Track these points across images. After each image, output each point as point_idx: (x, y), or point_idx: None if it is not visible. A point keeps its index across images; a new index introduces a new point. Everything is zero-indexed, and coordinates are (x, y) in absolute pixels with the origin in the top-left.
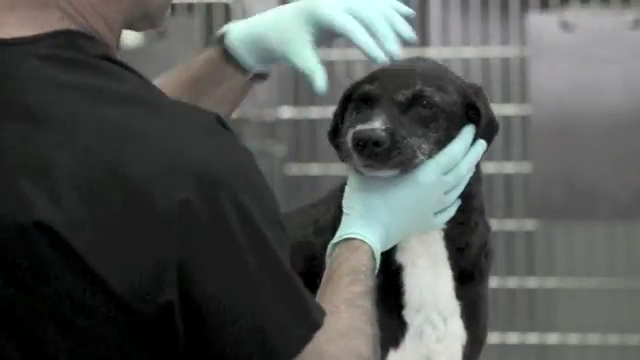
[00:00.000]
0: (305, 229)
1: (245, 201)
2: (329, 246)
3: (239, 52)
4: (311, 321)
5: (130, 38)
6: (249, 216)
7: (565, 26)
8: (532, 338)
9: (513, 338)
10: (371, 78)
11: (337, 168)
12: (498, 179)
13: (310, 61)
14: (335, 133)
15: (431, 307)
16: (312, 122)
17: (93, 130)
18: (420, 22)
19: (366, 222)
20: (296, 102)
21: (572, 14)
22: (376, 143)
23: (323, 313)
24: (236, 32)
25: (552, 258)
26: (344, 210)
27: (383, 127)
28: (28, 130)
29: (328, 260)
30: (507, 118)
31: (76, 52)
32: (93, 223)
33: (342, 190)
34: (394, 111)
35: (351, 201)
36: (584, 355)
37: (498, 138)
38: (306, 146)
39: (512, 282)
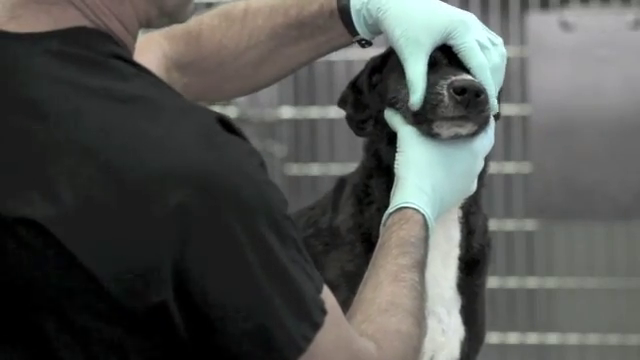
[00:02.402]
0: (304, 231)
1: (244, 201)
2: (384, 216)
3: (356, 17)
4: (312, 320)
5: None
6: (249, 215)
7: (565, 26)
8: (532, 338)
9: (513, 338)
10: None
11: (337, 168)
12: (498, 179)
13: (417, 75)
14: (357, 106)
15: (437, 299)
16: (312, 122)
17: (93, 129)
18: None
19: (421, 190)
20: (296, 102)
21: (572, 14)
22: (477, 93)
23: (324, 312)
24: None
25: (552, 258)
26: (398, 180)
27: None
28: (30, 126)
29: (382, 230)
30: (507, 118)
31: (85, 49)
32: (86, 221)
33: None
34: (465, 72)
35: (406, 169)
36: (584, 355)
37: (498, 138)
38: (306, 146)
39: (512, 282)
